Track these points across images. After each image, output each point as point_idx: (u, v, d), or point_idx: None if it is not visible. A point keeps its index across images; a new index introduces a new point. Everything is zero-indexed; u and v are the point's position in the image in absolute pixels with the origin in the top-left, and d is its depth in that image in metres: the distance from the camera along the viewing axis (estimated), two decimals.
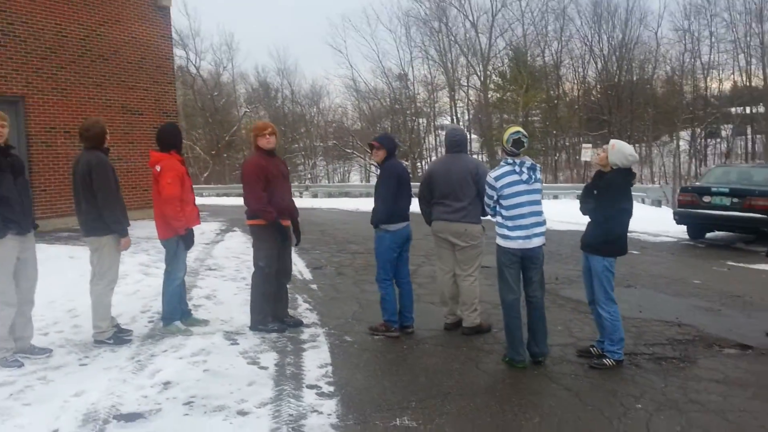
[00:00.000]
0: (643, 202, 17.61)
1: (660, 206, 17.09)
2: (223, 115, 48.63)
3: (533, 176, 4.93)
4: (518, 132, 4.90)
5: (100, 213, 5.32)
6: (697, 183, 12.65)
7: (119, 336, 5.51)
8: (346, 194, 30.16)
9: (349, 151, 48.63)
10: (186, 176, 5.77)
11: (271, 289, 5.90)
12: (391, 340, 5.64)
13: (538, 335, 5.02)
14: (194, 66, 47.12)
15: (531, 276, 5.01)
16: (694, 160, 40.46)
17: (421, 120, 47.71)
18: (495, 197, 4.93)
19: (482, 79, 44.75)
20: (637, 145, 43.55)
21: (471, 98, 46.72)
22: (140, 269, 8.26)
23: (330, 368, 4.93)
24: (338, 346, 5.50)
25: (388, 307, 5.80)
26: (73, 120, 12.59)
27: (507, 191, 4.86)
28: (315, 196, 29.43)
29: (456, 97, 46.15)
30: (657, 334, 5.81)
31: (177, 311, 5.83)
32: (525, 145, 4.94)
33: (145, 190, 14.10)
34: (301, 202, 23.43)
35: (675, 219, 11.53)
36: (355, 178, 52.49)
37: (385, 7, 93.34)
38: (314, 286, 7.81)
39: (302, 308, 6.77)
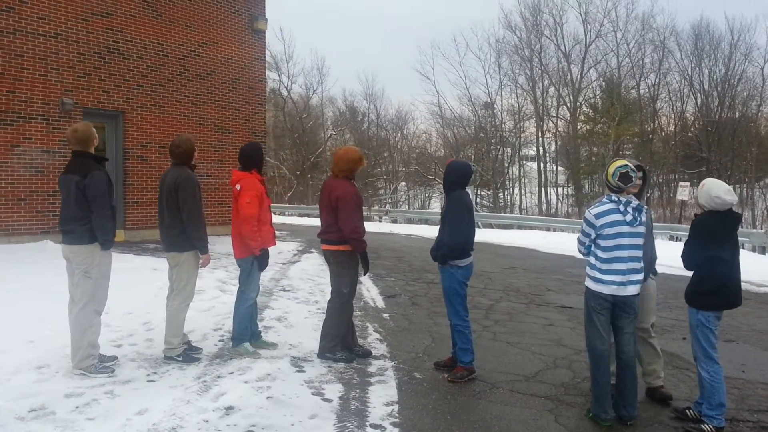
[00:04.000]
0: (743, 247, 16.47)
1: (764, 253, 15.85)
2: (309, 137, 49.69)
3: (638, 218, 4.50)
4: (626, 165, 4.49)
5: (184, 229, 5.36)
6: None
7: (188, 354, 5.49)
8: (426, 221, 29.94)
9: (431, 177, 48.44)
10: (265, 196, 5.73)
11: (348, 317, 5.76)
12: (462, 383, 5.33)
13: (627, 397, 4.57)
14: (286, 89, 48.56)
15: (622, 326, 4.59)
16: None
17: (506, 149, 47.00)
18: (593, 236, 4.55)
19: (572, 110, 43.79)
20: (737, 186, 41.27)
21: (559, 129, 45.70)
22: (217, 285, 8.32)
23: (396, 407, 4.69)
24: (406, 382, 5.25)
25: (470, 347, 5.49)
26: (168, 136, 13.05)
27: (607, 231, 4.46)
28: (395, 221, 29.36)
29: (544, 128, 45.29)
30: (762, 399, 5.21)
31: (247, 332, 5.75)
32: (634, 180, 4.51)
33: (230, 207, 14.42)
34: (381, 227, 23.49)
35: None
36: (435, 205, 52.27)
37: (475, 35, 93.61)
38: (386, 315, 7.60)
39: (372, 338, 6.57)
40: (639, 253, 4.55)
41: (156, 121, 12.81)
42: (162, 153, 12.90)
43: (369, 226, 21.60)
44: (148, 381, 4.91)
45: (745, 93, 40.18)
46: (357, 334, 6.62)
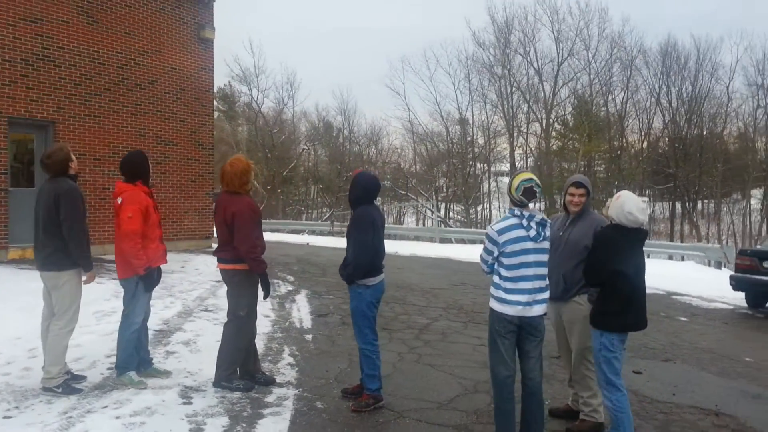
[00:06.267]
0: (705, 263, 16.24)
1: (720, 268, 15.61)
2: (282, 152, 49.13)
3: (542, 233, 4.11)
4: (531, 179, 4.10)
5: (62, 245, 4.85)
6: (758, 246, 11.35)
7: (69, 384, 4.93)
8: (403, 237, 28.97)
9: (402, 192, 48.11)
10: (152, 210, 5.23)
11: (246, 342, 5.23)
12: (367, 412, 4.84)
13: (533, 427, 4.15)
14: (256, 103, 48.07)
15: (528, 350, 4.17)
16: (766, 220, 37.98)
17: (479, 165, 46.88)
18: (495, 253, 4.12)
19: (544, 126, 43.82)
20: (705, 201, 41.55)
21: (531, 145, 45.73)
22: None
23: None
24: (304, 414, 4.74)
25: (377, 373, 5.02)
26: (105, 148, 12.50)
27: (510, 248, 4.04)
28: None
29: (515, 144, 45.24)
30: (688, 425, 4.82)
31: (133, 360, 5.21)
32: (537, 195, 4.16)
33: (174, 222, 13.86)
34: (343, 242, 22.90)
35: (731, 284, 10.32)
36: (410, 220, 51.93)
37: (445, 51, 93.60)
38: (309, 337, 7.08)
39: (284, 362, 6.04)
40: (544, 271, 4.15)
41: (91, 131, 12.20)
42: (98, 165, 12.32)
43: (335, 242, 21.06)
44: (4, 417, 4.34)
45: (712, 110, 40.56)
46: (270, 358, 6.17)
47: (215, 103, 52.03)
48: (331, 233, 26.62)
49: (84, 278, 5.06)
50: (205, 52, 14.59)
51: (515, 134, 44.42)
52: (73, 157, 5.06)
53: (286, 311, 8.32)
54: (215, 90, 50.28)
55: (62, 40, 11.67)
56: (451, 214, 46.29)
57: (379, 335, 7.17)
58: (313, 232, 28.43)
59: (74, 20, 11.84)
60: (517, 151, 45.66)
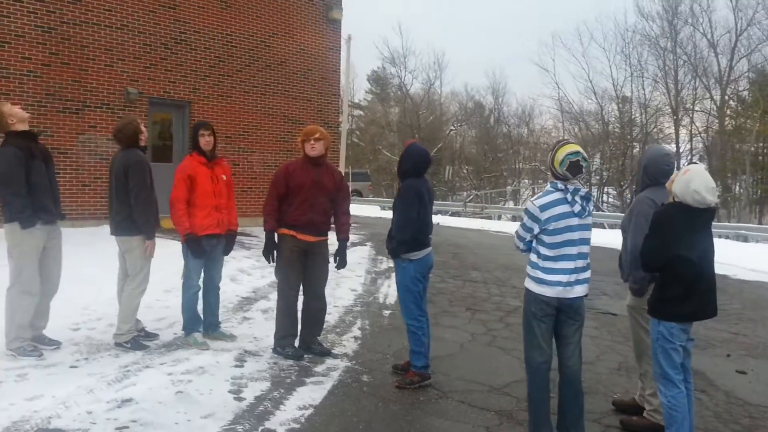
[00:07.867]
0: None
1: None
2: (429, 133, 49.30)
3: (587, 208, 3.78)
4: (577, 153, 3.74)
5: (131, 212, 5.20)
6: None
7: (138, 341, 5.30)
8: None
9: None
10: (205, 179, 5.44)
11: (290, 307, 5.26)
12: (411, 389, 4.71)
13: (569, 417, 3.80)
14: (404, 84, 48.56)
15: (566, 334, 3.82)
16: None
17: (636, 146, 43.93)
18: (536, 231, 3.81)
19: (719, 104, 39.98)
20: None
21: (698, 124, 41.94)
22: (233, 274, 8.12)
23: (310, 411, 4.19)
24: (346, 385, 4.72)
25: (423, 351, 4.87)
26: (235, 126, 13.25)
27: (554, 225, 3.72)
28: (514, 219, 28.03)
29: (681, 123, 41.75)
30: None
31: (196, 322, 5.49)
32: (583, 171, 3.78)
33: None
34: (484, 223, 22.48)
35: None
36: None
37: (600, 25, 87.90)
38: (386, 313, 7.03)
39: (349, 335, 6.05)
40: (588, 249, 3.79)
41: (223, 111, 12.97)
42: (229, 143, 13.07)
43: (465, 223, 20.77)
44: (71, 367, 4.73)
45: None
46: (339, 330, 6.23)
47: (368, 85, 53.69)
48: (464, 214, 26.33)
49: (146, 246, 5.33)
50: (333, 33, 14.92)
51: (679, 112, 40.97)
52: (143, 129, 5.38)
53: (375, 287, 8.34)
54: (368, 73, 51.92)
55: (198, 24, 12.48)
56: (604, 197, 43.91)
57: (462, 315, 7.08)
58: (457, 214, 28.23)
59: (208, 5, 12.61)
60: (682, 131, 42.18)
